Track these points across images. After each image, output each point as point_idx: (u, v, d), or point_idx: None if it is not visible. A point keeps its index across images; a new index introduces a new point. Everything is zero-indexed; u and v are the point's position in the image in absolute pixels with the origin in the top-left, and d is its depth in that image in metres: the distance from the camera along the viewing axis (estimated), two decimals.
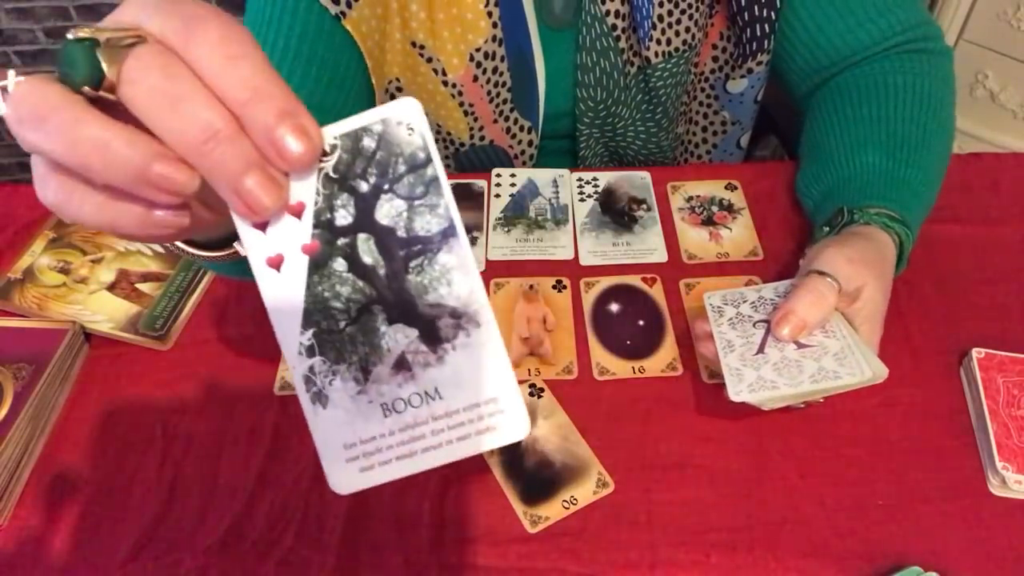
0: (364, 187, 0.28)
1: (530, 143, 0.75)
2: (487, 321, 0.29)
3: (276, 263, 0.29)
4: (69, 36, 0.26)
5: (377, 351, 0.30)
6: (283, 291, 0.29)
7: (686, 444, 0.56)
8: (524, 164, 0.77)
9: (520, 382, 0.59)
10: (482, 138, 0.73)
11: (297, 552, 0.51)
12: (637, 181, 0.74)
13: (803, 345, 0.52)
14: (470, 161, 0.77)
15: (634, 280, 0.66)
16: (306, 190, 0.28)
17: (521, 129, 0.74)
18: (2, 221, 0.70)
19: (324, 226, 0.29)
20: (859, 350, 0.50)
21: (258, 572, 0.50)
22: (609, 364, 0.60)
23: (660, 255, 0.68)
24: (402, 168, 0.28)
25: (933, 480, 0.54)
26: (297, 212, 0.28)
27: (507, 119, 0.72)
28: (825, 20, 0.68)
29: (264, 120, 0.25)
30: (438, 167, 0.28)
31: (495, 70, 0.67)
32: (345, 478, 0.31)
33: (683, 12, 0.68)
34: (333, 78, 0.62)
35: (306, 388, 0.30)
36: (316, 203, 0.28)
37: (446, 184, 0.29)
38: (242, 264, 0.30)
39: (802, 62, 0.72)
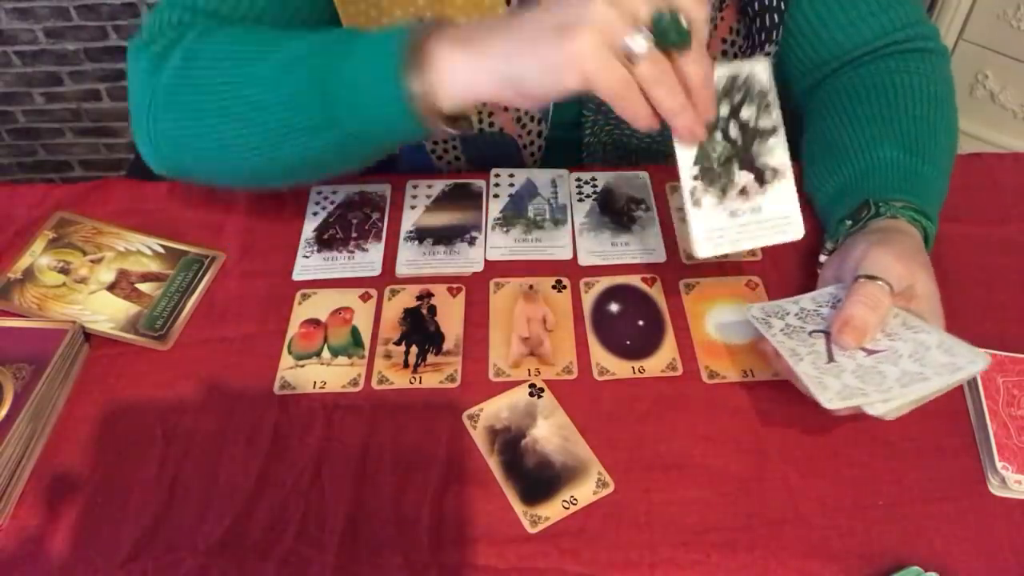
0: (736, 99, 0.53)
1: (539, 134, 0.75)
2: (789, 175, 0.55)
3: None
4: (667, 15, 0.45)
5: (732, 183, 0.54)
6: (688, 149, 0.53)
7: (686, 444, 0.56)
8: (532, 155, 0.78)
9: (520, 382, 0.59)
10: (491, 124, 0.74)
11: (297, 552, 0.51)
12: (636, 181, 0.74)
13: (872, 351, 0.52)
14: (479, 149, 0.77)
15: (634, 280, 0.66)
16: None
17: (531, 119, 0.74)
18: (2, 221, 0.70)
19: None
20: (952, 342, 0.51)
21: (258, 572, 0.50)
22: (609, 364, 0.60)
23: (659, 255, 0.68)
24: (755, 95, 0.53)
25: (933, 480, 0.54)
26: None
27: (517, 108, 0.72)
28: (828, 13, 0.69)
29: (704, 103, 0.49)
30: (773, 98, 0.54)
31: None
32: (708, 247, 0.54)
33: None
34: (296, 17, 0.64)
35: (691, 197, 0.54)
36: None
37: (776, 105, 0.54)
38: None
39: (803, 56, 0.73)
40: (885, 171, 0.62)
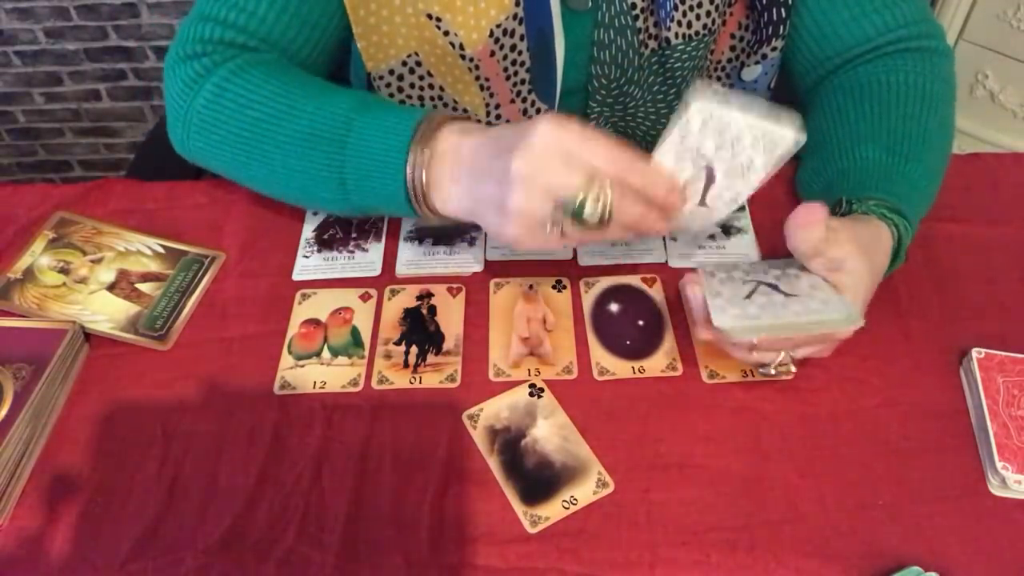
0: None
1: None
2: (750, 231, 0.67)
3: None
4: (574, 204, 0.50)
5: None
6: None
7: (686, 444, 0.56)
8: None
9: (520, 382, 0.59)
10: (498, 116, 0.74)
11: (297, 552, 0.51)
12: None
13: (790, 295, 0.53)
14: None
15: (634, 280, 0.66)
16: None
17: (537, 111, 0.74)
18: (2, 221, 0.70)
19: None
20: (840, 298, 0.53)
21: (258, 572, 0.50)
22: (609, 364, 0.60)
23: (659, 255, 0.68)
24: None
25: (933, 480, 0.54)
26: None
27: (524, 100, 0.73)
28: (832, 9, 0.70)
29: (671, 204, 0.52)
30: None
31: (513, 48, 0.68)
32: (678, 262, 0.65)
33: None
34: (307, 20, 0.66)
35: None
36: None
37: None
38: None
39: (807, 52, 0.73)
40: (864, 170, 0.62)
